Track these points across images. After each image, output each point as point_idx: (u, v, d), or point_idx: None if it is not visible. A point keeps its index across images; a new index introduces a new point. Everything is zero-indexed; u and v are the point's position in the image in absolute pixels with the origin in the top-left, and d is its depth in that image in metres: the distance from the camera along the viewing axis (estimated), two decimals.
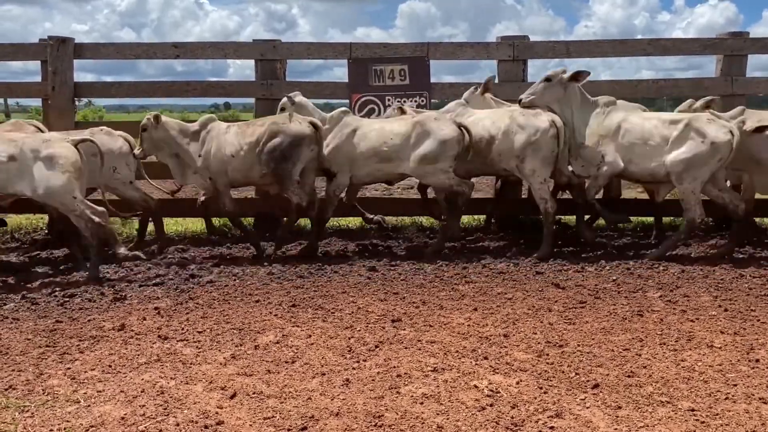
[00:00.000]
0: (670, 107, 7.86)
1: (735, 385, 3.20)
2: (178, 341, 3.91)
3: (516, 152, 5.74)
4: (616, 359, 3.54)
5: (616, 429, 2.81)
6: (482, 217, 7.20)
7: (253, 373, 3.42)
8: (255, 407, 3.03)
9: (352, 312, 4.39)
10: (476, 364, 3.49)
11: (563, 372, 3.38)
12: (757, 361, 3.50)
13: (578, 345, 3.75)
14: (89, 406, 3.09)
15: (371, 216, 6.62)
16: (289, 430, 2.84)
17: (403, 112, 6.14)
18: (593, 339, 3.84)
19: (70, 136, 5.58)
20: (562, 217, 6.88)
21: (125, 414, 2.99)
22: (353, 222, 7.30)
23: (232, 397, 3.15)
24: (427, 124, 5.75)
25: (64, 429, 2.88)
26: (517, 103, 5.94)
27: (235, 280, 5.25)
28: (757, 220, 6.97)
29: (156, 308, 4.53)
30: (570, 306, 4.47)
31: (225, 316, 4.36)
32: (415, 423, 2.87)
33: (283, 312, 4.42)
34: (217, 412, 2.99)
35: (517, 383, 3.25)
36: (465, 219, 6.90)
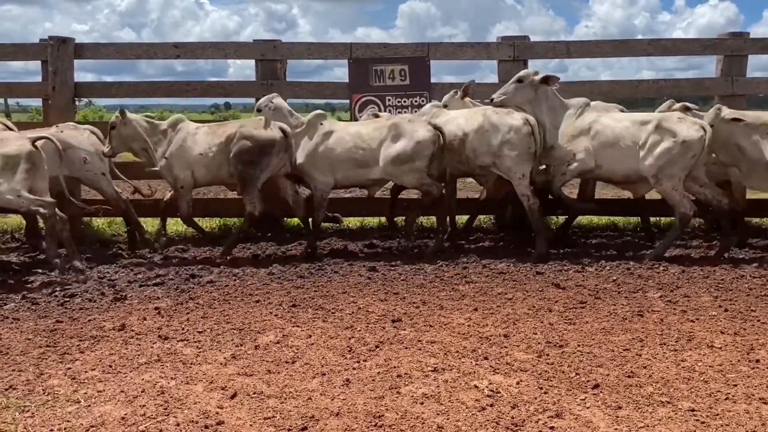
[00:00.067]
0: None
1: (735, 386, 3.20)
2: (178, 341, 3.91)
3: (491, 149, 5.80)
4: (616, 359, 3.54)
5: (616, 429, 2.80)
6: (483, 217, 7.19)
7: (254, 373, 3.42)
8: (255, 407, 3.03)
9: (353, 312, 4.39)
10: (476, 364, 3.49)
11: (563, 372, 3.38)
12: (758, 361, 3.50)
13: (578, 345, 3.75)
14: (89, 406, 3.09)
15: (330, 214, 6.60)
16: (289, 430, 2.84)
17: (377, 117, 6.23)
18: (593, 339, 3.84)
19: (31, 133, 5.60)
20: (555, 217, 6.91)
21: (125, 414, 2.99)
22: (353, 222, 7.31)
23: (233, 397, 3.15)
24: (402, 126, 5.81)
25: (65, 429, 2.88)
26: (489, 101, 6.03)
27: (235, 280, 5.25)
28: (756, 220, 6.98)
29: (156, 308, 4.53)
30: (570, 306, 4.47)
31: (225, 316, 4.36)
32: (416, 423, 2.87)
33: (283, 312, 4.42)
34: (217, 412, 2.99)
35: (518, 383, 3.25)
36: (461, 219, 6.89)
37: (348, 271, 5.45)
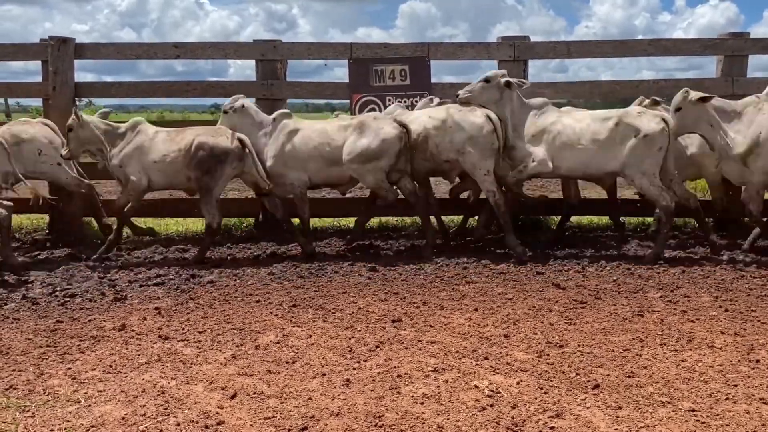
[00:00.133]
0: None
1: (735, 386, 3.20)
2: (178, 341, 3.91)
3: (455, 146, 5.84)
4: (616, 360, 3.54)
5: (616, 429, 2.81)
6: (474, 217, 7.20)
7: (254, 373, 3.42)
8: (255, 407, 3.04)
9: (353, 312, 4.39)
10: (477, 365, 3.49)
11: (564, 372, 3.38)
12: (758, 361, 3.50)
13: (579, 345, 3.75)
14: (90, 406, 3.09)
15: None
16: (289, 430, 2.84)
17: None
18: (594, 339, 3.84)
19: None
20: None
21: (126, 414, 2.99)
22: (353, 222, 7.29)
23: (233, 397, 3.15)
24: (368, 123, 5.84)
25: (65, 429, 2.89)
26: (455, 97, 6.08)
27: (235, 280, 5.25)
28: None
29: (157, 308, 4.54)
30: (570, 306, 4.47)
31: (225, 316, 4.36)
32: (416, 423, 2.87)
33: (283, 312, 4.42)
34: (217, 412, 2.99)
35: (518, 383, 3.25)
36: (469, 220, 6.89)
37: (348, 271, 5.46)
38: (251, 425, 2.88)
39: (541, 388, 3.18)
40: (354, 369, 3.45)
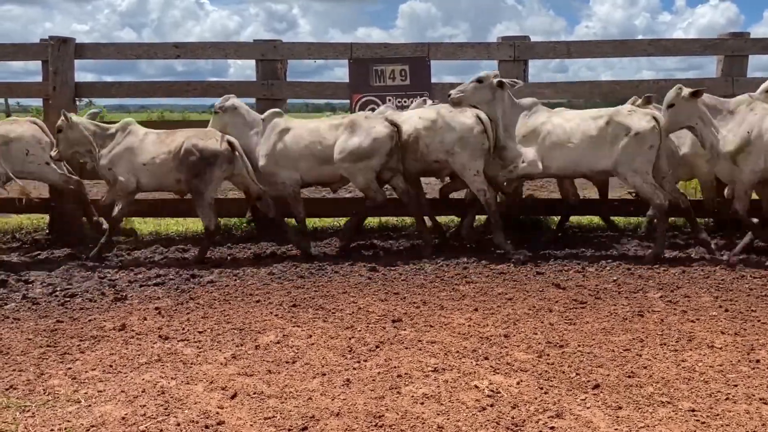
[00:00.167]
0: None
1: (735, 386, 3.20)
2: (178, 341, 3.91)
3: (444, 147, 5.86)
4: (616, 360, 3.54)
5: (616, 429, 2.81)
6: (483, 217, 7.19)
7: (254, 373, 3.42)
8: (256, 407, 3.04)
9: (353, 312, 4.39)
10: (477, 365, 3.49)
11: (564, 372, 3.38)
12: (758, 361, 3.50)
13: (579, 345, 3.75)
14: (90, 406, 3.09)
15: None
16: (289, 430, 2.84)
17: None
18: (594, 339, 3.84)
19: None
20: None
21: (126, 414, 2.99)
22: None
23: (233, 397, 3.15)
24: (359, 122, 5.85)
25: (65, 429, 2.89)
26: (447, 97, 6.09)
27: (235, 280, 5.25)
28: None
29: (157, 308, 4.54)
30: (570, 306, 4.47)
31: (226, 316, 4.36)
32: (416, 423, 2.87)
33: (283, 312, 4.42)
34: (217, 412, 2.99)
35: (518, 383, 3.25)
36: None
37: (348, 271, 5.46)
38: (251, 425, 2.88)
39: (541, 388, 3.18)
40: (354, 369, 3.45)
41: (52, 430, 2.88)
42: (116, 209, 5.94)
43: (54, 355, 3.72)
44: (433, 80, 7.01)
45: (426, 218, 6.28)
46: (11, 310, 4.57)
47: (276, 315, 4.36)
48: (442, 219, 6.77)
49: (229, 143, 5.75)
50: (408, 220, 7.30)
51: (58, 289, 5.03)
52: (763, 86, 6.09)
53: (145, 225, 7.37)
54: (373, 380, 3.30)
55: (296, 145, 5.88)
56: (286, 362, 3.56)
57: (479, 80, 5.90)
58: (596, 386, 3.19)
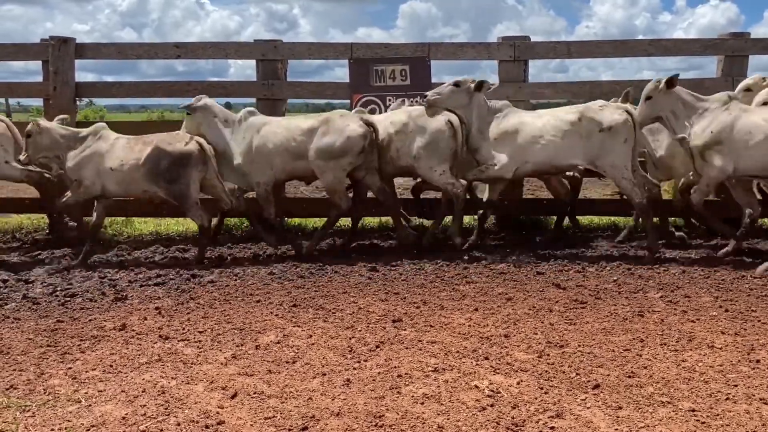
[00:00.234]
0: None
1: (736, 386, 3.20)
2: (179, 341, 3.91)
3: (413, 152, 5.89)
4: (616, 360, 3.54)
5: (616, 429, 2.81)
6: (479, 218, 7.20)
7: (254, 373, 3.42)
8: (256, 407, 3.04)
9: (353, 312, 4.39)
10: (477, 365, 3.49)
11: (564, 372, 3.38)
12: (758, 361, 3.50)
13: (579, 345, 3.75)
14: (90, 405, 3.10)
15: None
16: (289, 430, 2.84)
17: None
18: (594, 339, 3.84)
19: None
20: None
21: (126, 414, 2.99)
22: (352, 222, 7.29)
23: (233, 396, 3.15)
24: (334, 120, 5.85)
25: (65, 429, 2.89)
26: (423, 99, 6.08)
27: (236, 280, 5.26)
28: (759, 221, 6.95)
29: (157, 308, 4.54)
30: (571, 306, 4.47)
31: (226, 316, 4.36)
32: (416, 423, 2.87)
33: (284, 312, 4.43)
34: (218, 412, 2.99)
35: (518, 383, 3.25)
36: (466, 219, 6.88)
37: (348, 271, 5.46)
38: (251, 425, 2.88)
39: (542, 388, 3.18)
40: (354, 369, 3.46)
41: (52, 429, 2.88)
42: (94, 216, 5.92)
43: (54, 355, 3.72)
44: (434, 80, 7.01)
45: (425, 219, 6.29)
46: (11, 310, 4.57)
47: (276, 315, 4.36)
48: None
49: (198, 143, 5.73)
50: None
51: (59, 289, 5.04)
52: (741, 85, 6.12)
53: (145, 225, 7.38)
54: (374, 380, 3.31)
55: (270, 142, 5.88)
56: (287, 362, 3.56)
57: (457, 84, 5.87)
58: (596, 386, 3.19)
